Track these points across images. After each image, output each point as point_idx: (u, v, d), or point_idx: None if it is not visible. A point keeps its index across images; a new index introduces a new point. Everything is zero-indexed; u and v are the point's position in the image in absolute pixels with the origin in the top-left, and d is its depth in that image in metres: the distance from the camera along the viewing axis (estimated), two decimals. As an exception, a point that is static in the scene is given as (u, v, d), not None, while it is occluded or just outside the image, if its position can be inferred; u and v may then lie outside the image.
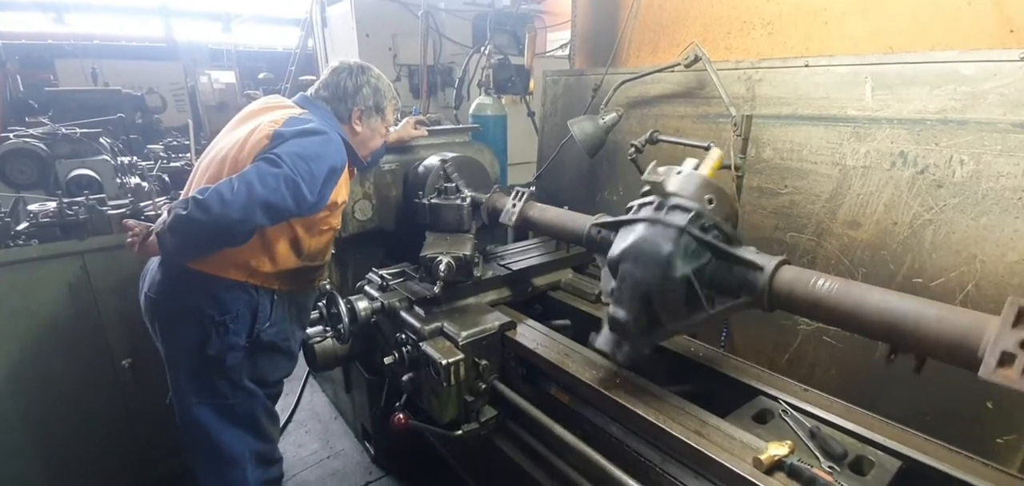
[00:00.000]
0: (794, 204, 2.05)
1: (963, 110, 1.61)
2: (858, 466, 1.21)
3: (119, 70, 6.96)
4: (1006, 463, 1.48)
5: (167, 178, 3.32)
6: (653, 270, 1.29)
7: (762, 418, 1.38)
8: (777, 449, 1.15)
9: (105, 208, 2.35)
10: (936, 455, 1.19)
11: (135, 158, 3.63)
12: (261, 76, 8.12)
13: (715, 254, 1.27)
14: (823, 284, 1.13)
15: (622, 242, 1.38)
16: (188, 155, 3.83)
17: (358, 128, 2.02)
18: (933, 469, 1.17)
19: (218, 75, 7.96)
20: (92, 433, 2.39)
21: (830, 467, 1.16)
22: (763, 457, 1.14)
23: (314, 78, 2.09)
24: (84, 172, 2.85)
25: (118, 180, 2.97)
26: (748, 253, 1.25)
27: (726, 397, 1.52)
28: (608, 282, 1.47)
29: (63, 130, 3.06)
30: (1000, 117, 1.54)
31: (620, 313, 1.38)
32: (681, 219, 1.28)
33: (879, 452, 1.23)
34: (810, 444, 1.25)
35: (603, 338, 1.50)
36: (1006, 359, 0.84)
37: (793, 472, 1.12)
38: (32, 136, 2.96)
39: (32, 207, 2.32)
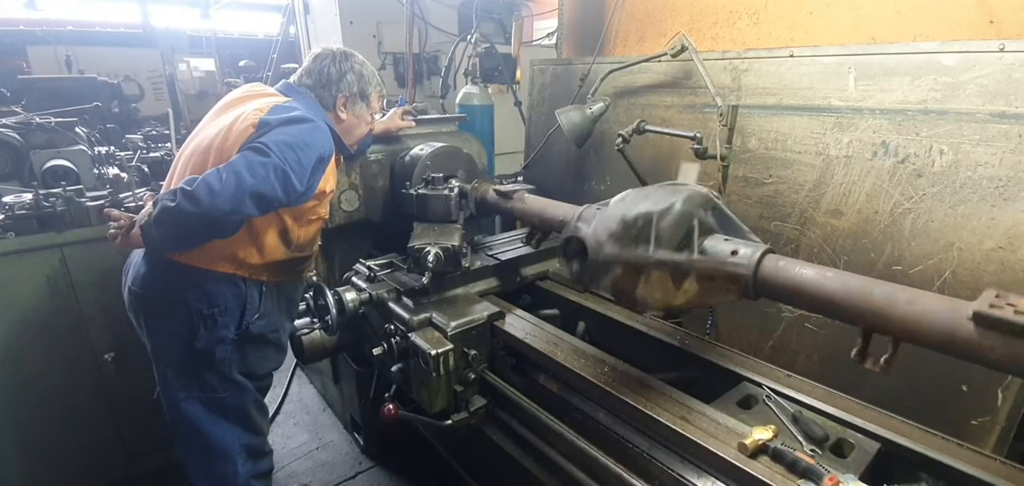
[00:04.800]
0: (778, 193, 2.08)
1: (943, 100, 1.65)
2: (839, 448, 1.24)
3: (94, 57, 6.79)
4: (980, 444, 1.53)
5: (147, 169, 3.25)
6: (662, 201, 1.30)
7: (746, 403, 1.41)
8: (761, 434, 1.18)
9: (83, 200, 2.29)
10: (913, 437, 1.23)
11: (113, 148, 3.54)
12: (242, 64, 7.98)
13: (720, 221, 1.30)
14: (806, 272, 1.15)
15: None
16: (168, 145, 3.75)
17: (343, 115, 2.00)
18: (911, 450, 1.21)
19: (197, 63, 7.80)
20: (76, 429, 2.35)
21: (812, 450, 1.19)
22: (747, 441, 1.16)
23: (297, 66, 2.05)
24: (60, 163, 2.78)
25: (96, 170, 2.90)
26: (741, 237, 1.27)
27: (711, 383, 1.54)
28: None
29: (37, 119, 2.97)
30: (979, 107, 1.58)
31: (615, 220, 1.32)
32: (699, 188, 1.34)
33: (859, 435, 1.26)
34: (793, 428, 1.28)
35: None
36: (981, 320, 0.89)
37: (776, 455, 1.14)
38: (5, 125, 2.87)
39: (7, 199, 2.25)
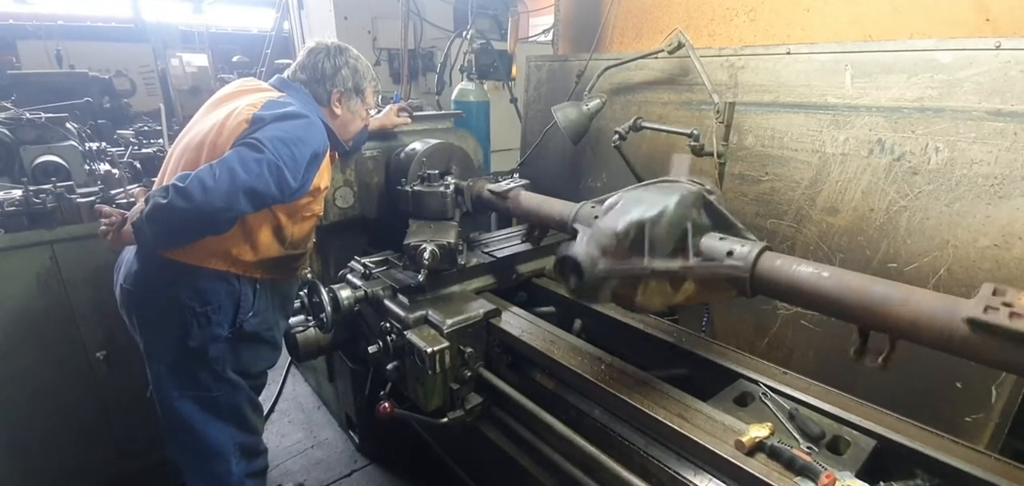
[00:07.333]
0: (775, 191, 2.08)
1: (939, 98, 1.65)
2: (835, 446, 1.25)
3: (85, 52, 6.72)
4: (974, 440, 1.54)
5: (139, 165, 3.21)
6: (656, 205, 1.28)
7: (743, 401, 1.41)
8: (758, 431, 1.18)
9: (74, 196, 2.27)
10: (908, 434, 1.24)
11: (104, 144, 3.50)
12: (235, 59, 7.92)
13: (713, 218, 1.31)
14: (803, 270, 1.15)
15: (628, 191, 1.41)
16: (160, 141, 3.71)
17: (338, 111, 1.98)
18: (906, 447, 1.21)
19: (190, 58, 7.72)
20: (68, 428, 2.33)
21: (808, 447, 1.20)
22: (744, 439, 1.16)
23: (291, 62, 2.03)
24: (51, 158, 2.74)
25: (86, 167, 2.87)
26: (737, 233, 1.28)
27: (708, 381, 1.54)
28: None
29: (27, 115, 2.93)
30: (975, 105, 1.58)
31: (607, 235, 1.29)
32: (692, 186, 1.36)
33: (855, 432, 1.27)
34: (789, 425, 1.28)
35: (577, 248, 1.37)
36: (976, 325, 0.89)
37: (773, 453, 1.14)
38: (-6, 121, 2.84)
39: (-4, 195, 2.23)
